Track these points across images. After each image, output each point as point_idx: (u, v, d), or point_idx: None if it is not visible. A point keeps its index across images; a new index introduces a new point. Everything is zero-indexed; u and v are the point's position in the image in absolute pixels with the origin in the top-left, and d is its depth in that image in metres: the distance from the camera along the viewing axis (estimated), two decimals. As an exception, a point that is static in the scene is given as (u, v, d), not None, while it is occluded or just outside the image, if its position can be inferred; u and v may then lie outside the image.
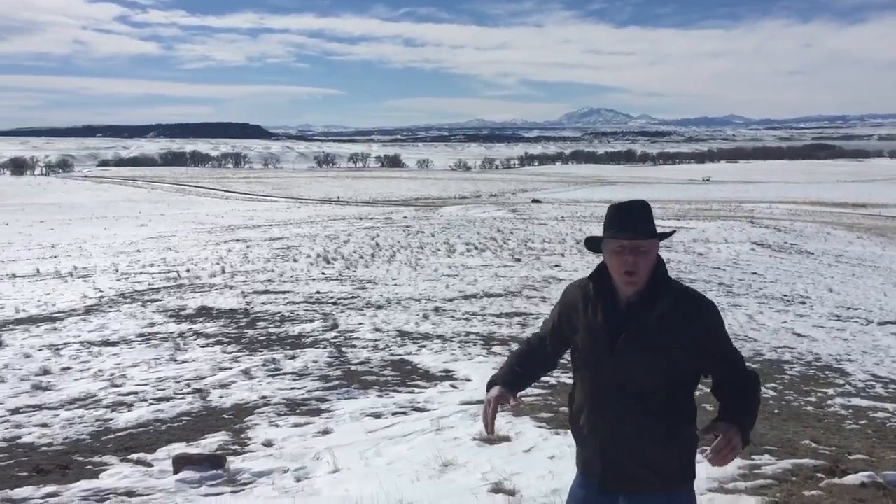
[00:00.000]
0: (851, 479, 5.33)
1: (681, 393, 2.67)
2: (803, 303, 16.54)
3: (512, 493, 5.20)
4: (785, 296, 17.35)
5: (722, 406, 2.67)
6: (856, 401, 8.58)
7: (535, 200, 76.41)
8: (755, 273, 21.13)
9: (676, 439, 2.66)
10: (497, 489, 5.30)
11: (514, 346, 10.25)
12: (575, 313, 2.72)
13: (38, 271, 25.51)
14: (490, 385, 2.82)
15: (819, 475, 5.48)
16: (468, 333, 12.10)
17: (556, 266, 21.48)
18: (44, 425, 7.78)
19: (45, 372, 10.27)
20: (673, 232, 3.02)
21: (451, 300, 16.00)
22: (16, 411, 8.42)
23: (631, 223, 2.57)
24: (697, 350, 2.59)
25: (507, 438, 6.57)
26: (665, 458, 2.64)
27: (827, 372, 10.18)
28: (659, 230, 2.65)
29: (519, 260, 23.69)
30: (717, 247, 27.38)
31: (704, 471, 5.51)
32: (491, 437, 2.64)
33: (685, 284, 2.76)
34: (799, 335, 12.80)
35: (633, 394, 2.57)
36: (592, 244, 2.75)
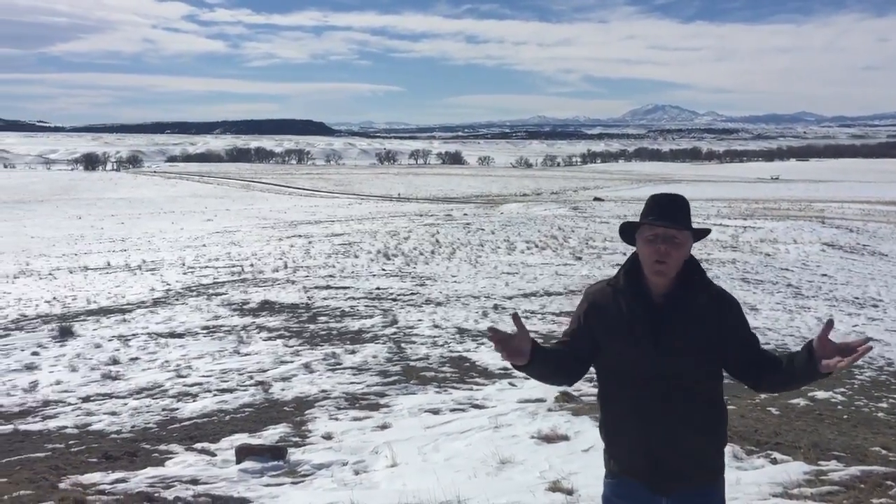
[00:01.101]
0: (924, 488, 5.13)
1: (718, 384, 2.71)
2: (875, 306, 15.99)
3: (570, 492, 5.16)
4: (856, 298, 16.81)
5: (785, 357, 2.62)
6: (930, 408, 8.26)
7: (597, 198, 75.54)
8: (825, 275, 20.52)
9: (720, 430, 2.73)
10: (555, 488, 5.26)
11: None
12: (606, 313, 2.69)
13: (108, 264, 26.34)
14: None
15: (889, 483, 5.29)
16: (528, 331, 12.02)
17: (618, 265, 21.13)
18: (113, 413, 8.03)
19: (115, 362, 10.61)
20: (709, 231, 3.00)
21: (510, 298, 15.96)
22: (87, 399, 8.72)
23: (668, 213, 2.62)
24: (732, 339, 2.63)
25: (565, 437, 6.53)
26: (710, 450, 2.70)
27: (900, 377, 9.82)
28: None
29: (580, 258, 23.50)
30: (786, 247, 26.67)
31: (768, 475, 5.39)
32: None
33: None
34: (874, 338, 12.39)
35: (682, 387, 2.58)
36: (627, 233, 2.77)
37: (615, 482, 2.76)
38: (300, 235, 37.09)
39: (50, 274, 23.97)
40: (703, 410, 2.64)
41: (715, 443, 2.72)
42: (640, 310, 2.63)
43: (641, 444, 2.64)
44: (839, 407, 8.14)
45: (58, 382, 9.57)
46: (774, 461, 5.84)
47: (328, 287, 17.88)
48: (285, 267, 22.68)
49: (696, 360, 2.59)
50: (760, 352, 2.68)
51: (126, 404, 8.39)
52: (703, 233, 2.78)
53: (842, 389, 8.92)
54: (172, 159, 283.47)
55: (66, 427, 7.54)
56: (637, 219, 2.71)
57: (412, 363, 10.12)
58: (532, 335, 2.68)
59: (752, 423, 7.11)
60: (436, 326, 12.73)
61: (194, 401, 8.46)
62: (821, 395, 8.60)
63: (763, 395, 8.50)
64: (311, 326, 12.87)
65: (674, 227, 2.59)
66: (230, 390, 8.87)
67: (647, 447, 2.63)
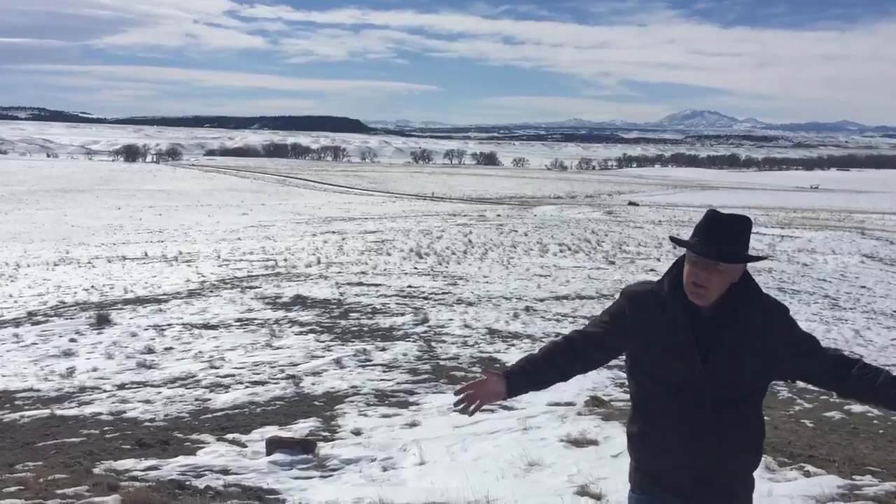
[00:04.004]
0: (962, 507, 5.02)
1: (762, 400, 2.62)
2: (915, 320, 15.68)
3: (598, 497, 5.13)
4: (895, 312, 16.51)
5: (872, 371, 2.48)
6: (970, 426, 8.08)
7: (631, 203, 74.92)
8: (864, 287, 20.18)
9: (762, 446, 2.63)
10: (583, 492, 5.24)
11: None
12: (649, 319, 2.55)
13: (146, 255, 26.72)
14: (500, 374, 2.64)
15: (926, 501, 5.19)
16: (558, 334, 11.97)
17: (652, 270, 21.06)
18: (147, 401, 8.15)
19: (150, 351, 10.77)
20: (763, 258, 2.85)
21: (542, 300, 15.91)
22: (122, 387, 8.86)
23: (716, 239, 2.42)
24: (784, 351, 2.50)
25: (594, 442, 6.49)
26: (754, 466, 2.62)
27: (939, 394, 9.61)
28: (753, 252, 2.50)
29: (613, 263, 23.35)
30: (824, 258, 26.28)
31: (801, 488, 5.32)
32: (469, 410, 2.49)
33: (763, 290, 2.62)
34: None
35: (731, 403, 2.49)
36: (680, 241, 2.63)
37: (646, 498, 2.63)
38: (334, 232, 37.32)
39: (89, 262, 24.39)
40: (750, 426, 2.55)
41: (758, 459, 2.64)
42: (687, 323, 2.49)
43: (688, 461, 2.52)
44: (875, 421, 8.00)
45: (94, 369, 9.74)
46: (808, 474, 5.76)
47: (360, 284, 17.97)
48: (318, 262, 22.84)
49: (746, 376, 2.49)
50: (828, 356, 2.53)
51: (160, 393, 8.51)
52: (753, 258, 2.57)
53: (878, 404, 8.76)
54: (211, 153, 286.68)
55: (101, 413, 7.67)
56: (670, 224, 2.61)
57: (442, 362, 10.13)
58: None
59: (785, 434, 7.02)
60: (466, 326, 12.74)
61: (226, 392, 8.56)
62: (857, 408, 8.45)
63: (797, 408, 8.40)
64: (343, 322, 12.94)
65: (718, 260, 2.41)
66: (262, 383, 8.96)
67: (695, 464, 2.51)
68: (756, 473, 2.66)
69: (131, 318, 13.30)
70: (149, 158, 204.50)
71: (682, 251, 2.60)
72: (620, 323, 2.60)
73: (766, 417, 2.68)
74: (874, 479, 5.69)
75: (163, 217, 55.12)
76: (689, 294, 2.49)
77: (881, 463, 6.19)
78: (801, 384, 9.40)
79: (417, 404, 8.05)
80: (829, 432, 7.36)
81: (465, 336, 11.92)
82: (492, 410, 7.81)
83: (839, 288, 19.62)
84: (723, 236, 2.44)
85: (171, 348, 11.02)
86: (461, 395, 2.62)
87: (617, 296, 2.76)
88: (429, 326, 12.66)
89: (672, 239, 2.68)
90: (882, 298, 18.38)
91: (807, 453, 6.34)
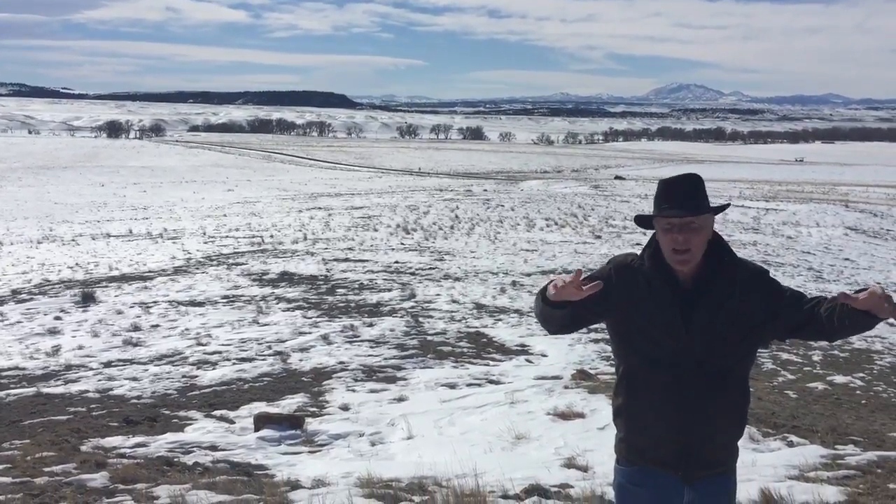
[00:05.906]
0: (942, 475, 5.10)
1: (748, 371, 2.64)
2: (898, 291, 15.85)
3: (585, 469, 5.18)
4: (878, 283, 16.65)
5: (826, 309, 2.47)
6: (950, 396, 8.20)
7: (618, 177, 74.89)
8: (847, 259, 20.34)
9: (746, 416, 2.65)
10: (570, 464, 5.29)
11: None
12: (633, 289, 2.54)
13: (130, 232, 26.55)
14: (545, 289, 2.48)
15: (906, 469, 5.27)
16: (545, 309, 12.02)
17: (638, 244, 21.11)
18: (134, 379, 8.14)
19: (136, 328, 10.74)
20: (727, 206, 2.86)
21: (529, 275, 15.95)
22: (108, 364, 8.84)
23: (681, 199, 2.47)
24: (771, 312, 2.51)
25: (581, 415, 6.55)
26: (738, 437, 2.64)
27: (920, 364, 9.74)
28: (715, 203, 2.55)
29: (599, 237, 23.41)
30: (808, 230, 26.44)
31: (784, 458, 5.39)
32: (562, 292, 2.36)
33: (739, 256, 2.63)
34: (892, 324, 12.29)
35: (716, 374, 2.50)
36: (644, 222, 2.62)
37: (632, 470, 2.64)
38: (320, 208, 37.18)
39: (73, 240, 24.21)
40: (735, 397, 2.57)
41: (742, 429, 2.65)
42: (668, 294, 2.51)
43: (673, 433, 2.53)
44: (857, 392, 8.11)
45: (80, 347, 9.71)
46: (791, 444, 5.84)
47: (347, 260, 17.94)
48: (305, 239, 22.78)
49: (729, 345, 2.50)
50: (812, 305, 2.49)
51: (147, 370, 8.50)
52: (719, 208, 2.63)
53: (861, 374, 8.87)
54: (195, 129, 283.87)
55: (87, 391, 7.66)
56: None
57: (429, 337, 10.16)
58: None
59: (769, 405, 7.10)
60: (454, 301, 12.77)
61: (214, 369, 8.56)
62: (839, 379, 8.56)
63: (780, 379, 8.49)
64: (330, 298, 12.94)
65: (689, 215, 2.45)
66: (249, 359, 8.96)
67: (680, 436, 2.53)
68: (740, 443, 2.68)
69: (117, 296, 13.24)
70: (132, 134, 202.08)
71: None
72: (605, 289, 2.51)
73: (750, 389, 2.69)
74: (856, 448, 5.77)
75: (147, 194, 54.67)
76: (673, 263, 2.50)
77: (863, 433, 6.28)
78: (784, 356, 9.52)
79: (405, 379, 8.09)
80: (812, 403, 7.46)
81: (452, 311, 11.95)
82: (479, 385, 7.86)
83: (823, 260, 19.76)
84: (682, 195, 2.49)
85: (157, 326, 10.99)
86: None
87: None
88: (416, 302, 12.68)
89: (637, 218, 2.64)
90: (865, 270, 18.54)
91: (790, 423, 6.42)
